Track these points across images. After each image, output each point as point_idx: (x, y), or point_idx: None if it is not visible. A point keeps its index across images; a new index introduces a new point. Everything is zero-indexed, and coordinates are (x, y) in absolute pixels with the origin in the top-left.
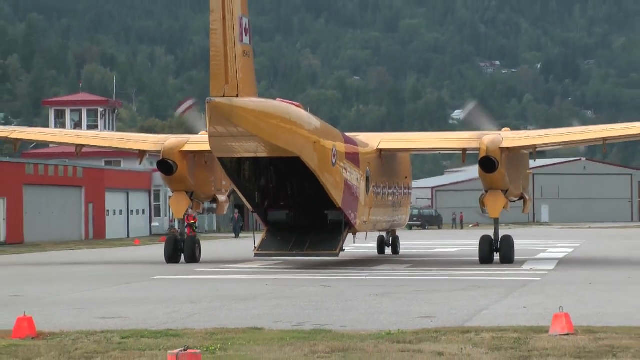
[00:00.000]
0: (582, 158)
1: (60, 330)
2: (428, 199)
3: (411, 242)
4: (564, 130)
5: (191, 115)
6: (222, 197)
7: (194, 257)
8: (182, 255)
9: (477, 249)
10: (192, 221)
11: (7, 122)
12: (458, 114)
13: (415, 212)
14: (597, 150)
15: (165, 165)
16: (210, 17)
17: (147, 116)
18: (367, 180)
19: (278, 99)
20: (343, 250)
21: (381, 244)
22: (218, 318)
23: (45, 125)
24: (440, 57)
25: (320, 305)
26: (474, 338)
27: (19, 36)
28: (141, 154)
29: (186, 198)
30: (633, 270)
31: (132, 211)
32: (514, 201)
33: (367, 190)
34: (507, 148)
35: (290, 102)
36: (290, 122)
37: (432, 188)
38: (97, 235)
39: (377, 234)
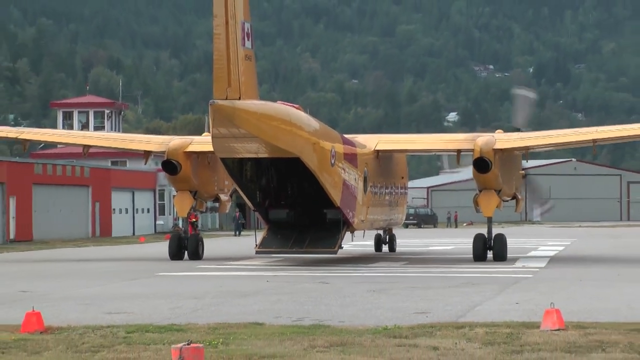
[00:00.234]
0: (572, 159)
1: (68, 324)
2: (424, 198)
3: (407, 240)
4: (555, 132)
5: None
6: (224, 197)
7: (197, 254)
8: (186, 252)
9: (471, 247)
10: (194, 219)
11: (16, 124)
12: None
13: (411, 211)
14: (587, 152)
15: (170, 166)
16: (214, 22)
17: (152, 118)
18: (365, 180)
19: (279, 102)
20: (341, 247)
21: (378, 242)
22: (220, 313)
23: (54, 126)
24: (436, 61)
25: (319, 301)
26: (467, 333)
27: (29, 40)
28: (146, 154)
29: (190, 197)
30: (622, 267)
31: (137, 210)
32: (507, 201)
33: (365, 190)
34: (501, 149)
35: (291, 104)
36: (291, 124)
37: (428, 188)
38: (103, 233)
39: (375, 232)
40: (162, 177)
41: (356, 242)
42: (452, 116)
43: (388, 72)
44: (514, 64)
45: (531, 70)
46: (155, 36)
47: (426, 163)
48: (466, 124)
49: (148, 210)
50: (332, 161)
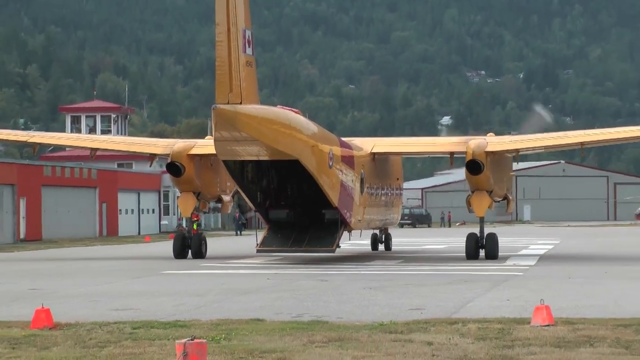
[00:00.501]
0: (561, 161)
1: (76, 321)
2: (418, 199)
3: (402, 239)
4: (545, 135)
5: None
6: (226, 197)
7: (200, 253)
8: (190, 251)
9: (464, 245)
10: (195, 219)
11: (26, 127)
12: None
13: (407, 211)
14: (575, 154)
15: (174, 168)
16: (216, 30)
17: (157, 122)
18: (362, 181)
19: (279, 106)
20: (339, 247)
21: (374, 241)
22: (223, 310)
23: (62, 130)
24: (430, 66)
25: (317, 298)
26: (460, 329)
27: (38, 47)
28: (151, 157)
29: (193, 198)
30: (609, 265)
31: (142, 210)
32: (498, 201)
33: (362, 191)
34: (492, 152)
35: (290, 108)
36: (290, 127)
37: (422, 189)
38: (110, 232)
39: (371, 231)
40: (167, 179)
41: (353, 241)
42: (446, 120)
43: (383, 77)
44: (505, 70)
45: (521, 75)
46: (160, 43)
47: (421, 165)
48: (459, 128)
49: (153, 211)
50: (330, 163)
